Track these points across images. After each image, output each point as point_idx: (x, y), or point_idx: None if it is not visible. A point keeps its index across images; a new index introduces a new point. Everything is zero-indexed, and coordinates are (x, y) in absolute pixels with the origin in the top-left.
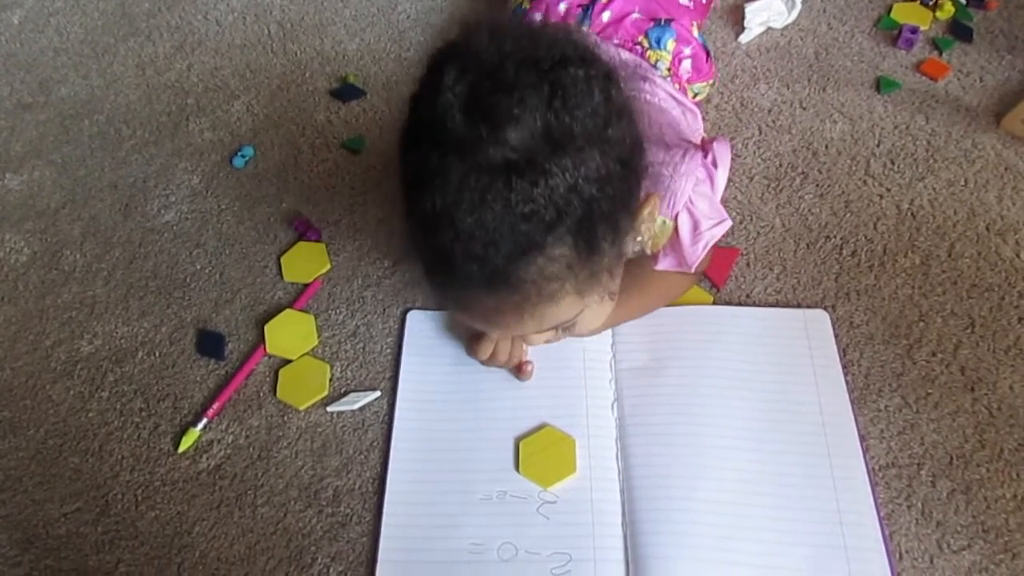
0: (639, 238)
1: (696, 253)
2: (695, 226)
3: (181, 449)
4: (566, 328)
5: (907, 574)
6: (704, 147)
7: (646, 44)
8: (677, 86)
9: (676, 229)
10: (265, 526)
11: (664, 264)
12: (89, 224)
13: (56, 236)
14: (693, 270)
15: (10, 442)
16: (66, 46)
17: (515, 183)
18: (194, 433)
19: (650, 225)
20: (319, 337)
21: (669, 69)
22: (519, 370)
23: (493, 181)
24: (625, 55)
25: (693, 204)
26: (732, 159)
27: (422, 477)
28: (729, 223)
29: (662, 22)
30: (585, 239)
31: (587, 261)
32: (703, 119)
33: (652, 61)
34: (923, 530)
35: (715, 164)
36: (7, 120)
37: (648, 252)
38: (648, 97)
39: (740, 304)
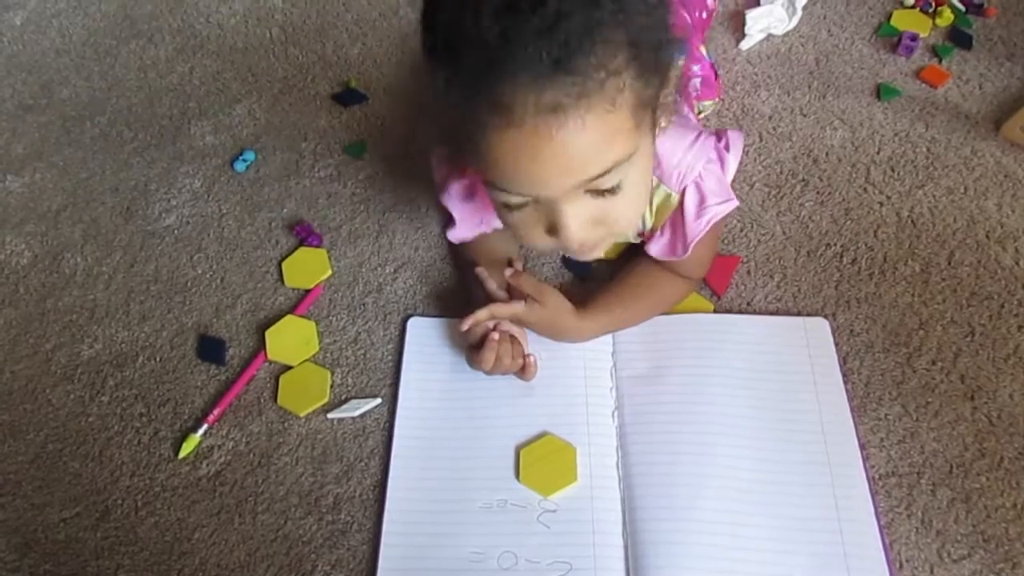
0: (671, 98)
1: (699, 228)
2: (701, 200)
3: (181, 455)
4: (610, 195)
5: None
6: (718, 134)
7: None
8: (686, 106)
9: (681, 205)
10: (265, 533)
11: (658, 246)
12: (90, 227)
13: (57, 239)
14: (689, 252)
15: (9, 446)
16: (68, 48)
17: None
18: (194, 439)
19: (675, 93)
20: (320, 343)
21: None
22: (523, 370)
23: None
24: None
25: (702, 179)
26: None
27: (422, 485)
28: (736, 203)
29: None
30: (637, 44)
31: (641, 69)
32: (704, 126)
33: None
34: (923, 539)
35: (727, 148)
36: (8, 122)
37: (646, 228)
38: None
39: (741, 312)
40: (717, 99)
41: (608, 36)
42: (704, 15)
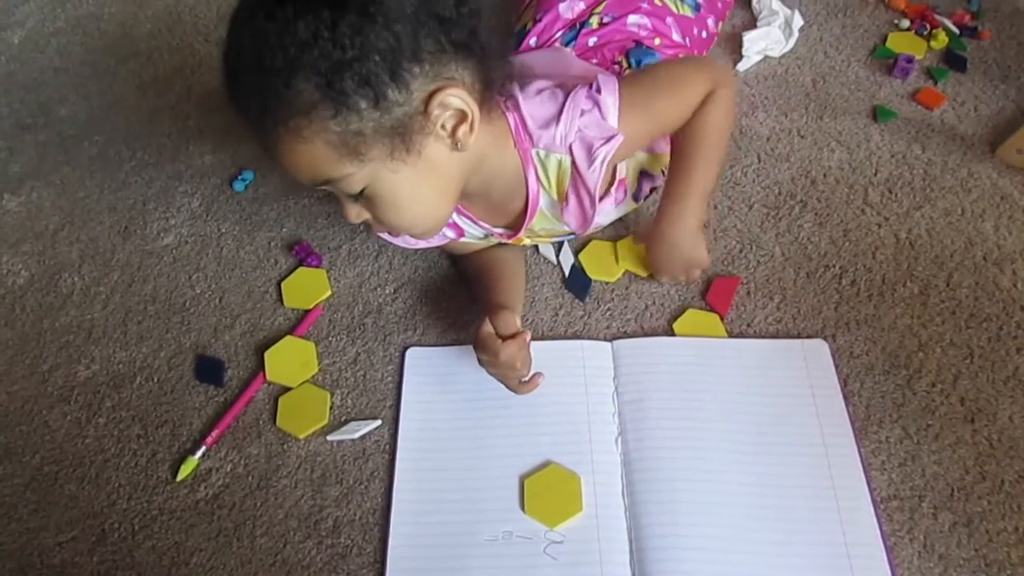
0: (436, 127)
1: (596, 174)
2: (589, 148)
3: (179, 477)
4: (363, 198)
5: None
6: (587, 84)
7: (625, 65)
8: None
9: (573, 163)
10: (264, 557)
11: (570, 215)
12: (88, 247)
13: (54, 259)
14: (595, 193)
15: (5, 468)
16: (67, 66)
17: (278, 13)
18: (192, 461)
19: (445, 117)
20: (319, 364)
21: None
22: (527, 382)
23: (252, 15)
24: (592, 67)
25: (582, 131)
26: (731, 187)
27: (426, 519)
28: (621, 137)
29: (644, 46)
30: (331, 85)
31: (338, 112)
32: None
33: None
34: (926, 563)
35: (599, 91)
36: (6, 140)
37: (553, 202)
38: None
39: (742, 333)
40: None
41: (293, 93)
42: (704, 35)
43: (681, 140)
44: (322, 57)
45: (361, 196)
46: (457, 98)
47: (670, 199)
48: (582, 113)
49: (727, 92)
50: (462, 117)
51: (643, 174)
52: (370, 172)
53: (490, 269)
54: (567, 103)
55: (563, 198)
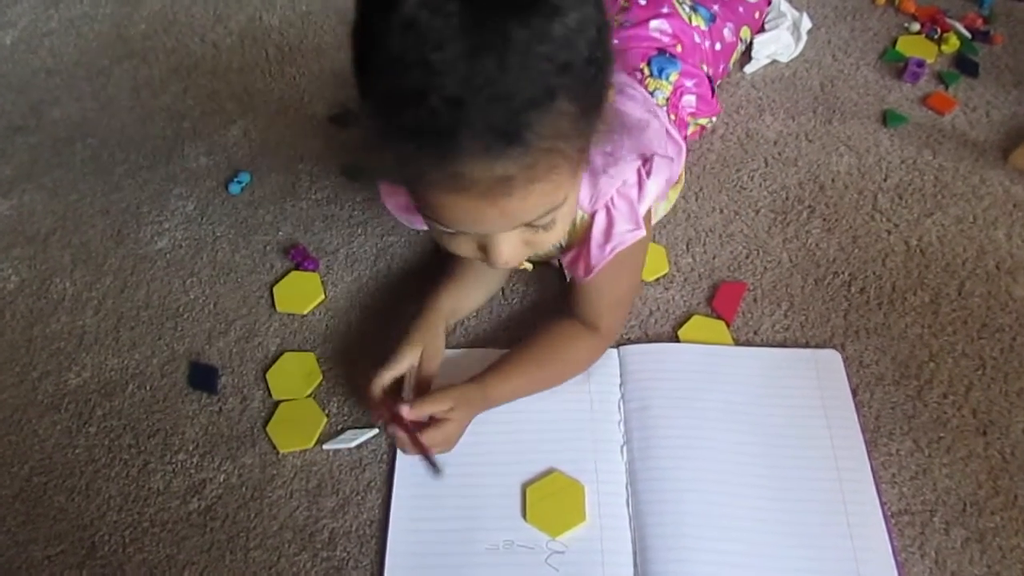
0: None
1: (603, 256)
2: (609, 225)
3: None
4: (542, 228)
5: None
6: (644, 156)
7: (647, 72)
8: (674, 117)
9: (589, 229)
10: (258, 570)
11: (568, 259)
12: (80, 251)
13: (45, 263)
14: (592, 277)
15: None
16: (59, 68)
17: (531, 20)
18: None
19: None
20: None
21: (667, 100)
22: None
23: (505, 18)
24: (622, 77)
25: (614, 205)
26: (738, 191)
27: (425, 527)
28: (643, 232)
29: (667, 54)
30: (587, 92)
31: (585, 122)
32: (708, 150)
33: (650, 89)
34: None
35: (648, 174)
36: None
37: (562, 243)
38: (626, 106)
39: (749, 341)
40: (714, 117)
41: (558, 105)
42: (719, 46)
43: (554, 343)
44: (583, 63)
45: (537, 228)
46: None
47: (498, 375)
48: (624, 184)
49: (603, 346)
50: None
51: None
52: (571, 191)
53: (463, 270)
54: (612, 168)
55: (569, 247)
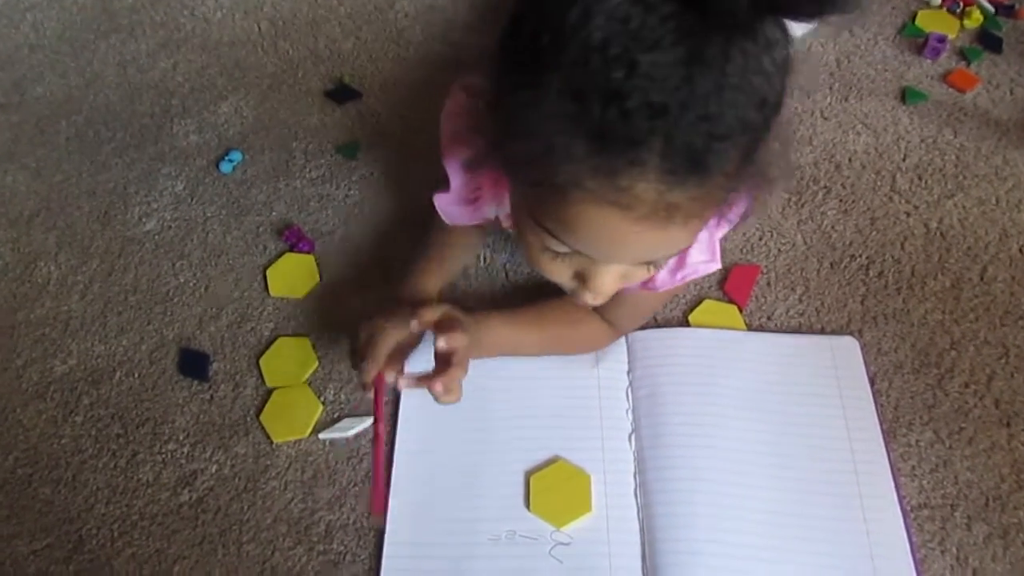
0: None
1: (672, 282)
2: (684, 252)
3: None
4: (652, 266)
5: None
6: None
7: None
8: None
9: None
10: (251, 565)
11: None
12: (65, 233)
13: (29, 246)
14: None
15: None
16: (42, 43)
17: (748, 46)
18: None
19: None
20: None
21: None
22: (447, 392)
23: (728, 37)
24: None
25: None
26: None
27: (425, 515)
28: (717, 265)
29: None
30: (762, 134)
31: (746, 164)
32: None
33: None
34: None
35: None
36: None
37: None
38: None
39: (762, 326)
40: None
41: (742, 141)
42: None
43: (569, 317)
44: (773, 104)
45: (649, 265)
46: None
47: (504, 317)
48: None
49: (614, 338)
50: None
51: None
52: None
53: (454, 245)
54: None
55: None
